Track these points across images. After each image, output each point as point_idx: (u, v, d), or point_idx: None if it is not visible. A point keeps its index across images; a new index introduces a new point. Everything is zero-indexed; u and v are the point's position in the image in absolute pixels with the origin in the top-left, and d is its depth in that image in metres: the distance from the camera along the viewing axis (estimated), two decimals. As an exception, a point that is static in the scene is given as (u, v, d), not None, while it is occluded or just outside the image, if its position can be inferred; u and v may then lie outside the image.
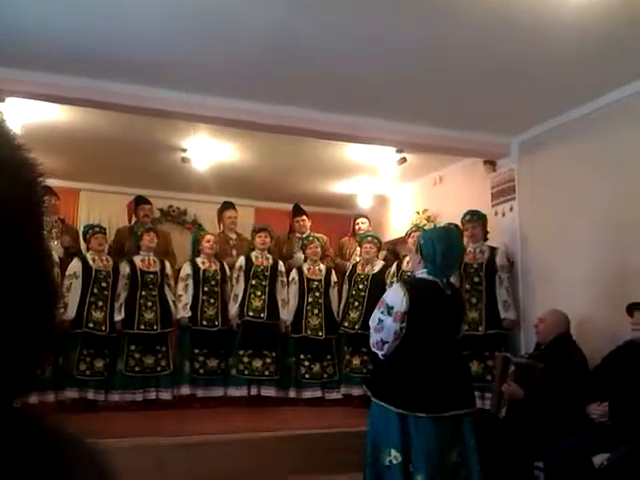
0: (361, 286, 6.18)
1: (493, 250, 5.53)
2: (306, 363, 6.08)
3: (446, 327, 3.35)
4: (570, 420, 3.76)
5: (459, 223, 5.87)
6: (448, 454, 3.22)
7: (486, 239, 5.65)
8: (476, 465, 3.25)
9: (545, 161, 5.40)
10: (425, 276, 3.36)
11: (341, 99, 4.84)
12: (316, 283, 6.25)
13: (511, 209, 5.84)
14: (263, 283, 6.06)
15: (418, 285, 3.37)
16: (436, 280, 3.33)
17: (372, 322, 3.35)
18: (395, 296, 3.28)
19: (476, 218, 5.64)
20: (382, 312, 3.27)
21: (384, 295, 3.48)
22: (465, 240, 5.68)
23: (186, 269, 6.04)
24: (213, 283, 6.03)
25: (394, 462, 3.15)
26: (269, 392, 5.93)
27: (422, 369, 3.23)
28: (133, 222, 6.70)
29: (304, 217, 6.96)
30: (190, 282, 5.96)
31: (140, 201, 6.70)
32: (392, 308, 3.23)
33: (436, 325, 3.29)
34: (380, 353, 3.32)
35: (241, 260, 6.14)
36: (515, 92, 4.63)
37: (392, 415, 3.19)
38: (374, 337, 3.30)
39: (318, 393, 6.09)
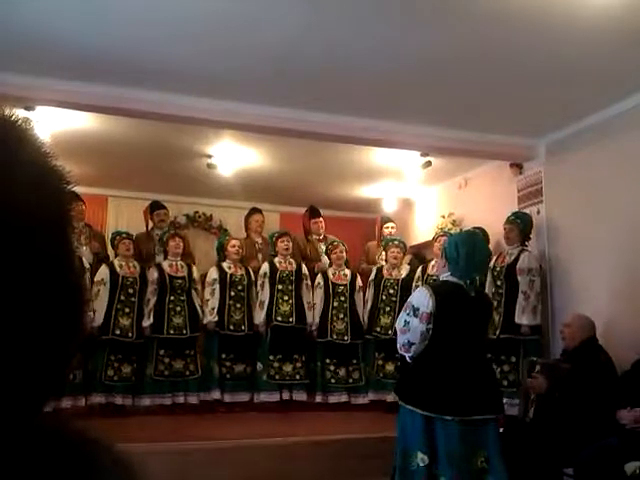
0: (391, 291, 6.15)
1: (520, 253, 5.44)
2: (332, 367, 6.07)
3: (471, 329, 3.37)
4: (599, 426, 3.70)
5: (484, 227, 5.83)
6: (473, 458, 3.22)
7: (524, 244, 5.51)
8: (503, 472, 3.23)
9: (573, 163, 5.33)
10: (449, 278, 3.39)
11: (365, 104, 4.84)
12: (341, 288, 6.25)
13: (538, 212, 5.77)
14: (289, 287, 6.08)
15: (443, 287, 3.41)
16: (460, 282, 3.36)
17: (398, 324, 3.40)
18: (421, 297, 3.33)
19: (518, 221, 5.53)
20: (408, 314, 3.31)
21: (410, 297, 3.52)
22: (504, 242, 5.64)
23: (212, 274, 6.08)
24: (240, 288, 6.06)
25: (421, 465, 3.17)
26: (300, 396, 5.94)
27: (449, 371, 3.24)
28: (150, 227, 6.75)
29: (321, 218, 7.01)
30: (217, 287, 5.99)
31: (155, 207, 6.74)
32: (418, 309, 3.26)
33: (462, 327, 3.31)
34: (407, 355, 3.34)
35: (265, 267, 6.17)
36: (541, 94, 4.58)
37: (418, 418, 3.20)
38: (401, 339, 3.33)
39: (344, 398, 6.07)
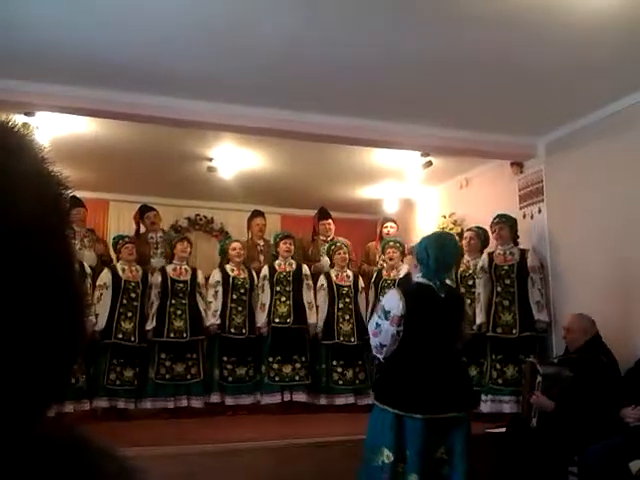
0: (387, 291, 6.14)
1: (523, 252, 5.48)
2: (339, 369, 6.07)
3: (442, 329, 3.44)
4: (603, 425, 3.69)
5: (487, 226, 5.83)
6: (435, 450, 3.31)
7: (516, 243, 5.59)
8: (462, 468, 3.29)
9: (573, 162, 5.32)
10: (420, 280, 3.47)
11: (365, 104, 4.84)
12: (346, 289, 6.26)
13: (539, 211, 5.77)
14: (287, 288, 6.09)
15: (413, 289, 3.50)
16: (430, 284, 3.43)
17: (370, 326, 3.49)
18: (392, 300, 3.40)
19: (504, 220, 5.60)
20: (379, 316, 3.39)
21: (381, 300, 3.64)
22: (494, 242, 5.68)
23: (215, 276, 6.08)
24: (242, 291, 6.06)
25: (386, 462, 3.25)
26: (300, 397, 5.93)
27: (418, 371, 3.32)
28: (143, 231, 6.72)
29: (330, 220, 6.99)
30: (220, 289, 5.99)
31: (144, 210, 6.73)
32: (389, 312, 3.34)
33: (432, 328, 3.38)
34: (380, 356, 3.45)
35: (265, 269, 6.18)
36: (541, 93, 4.58)
37: (388, 416, 3.29)
38: (373, 341, 3.44)
39: (351, 399, 6.08)
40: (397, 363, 3.39)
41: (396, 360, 3.39)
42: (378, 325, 3.37)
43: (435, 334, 3.39)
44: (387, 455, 3.25)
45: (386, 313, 3.34)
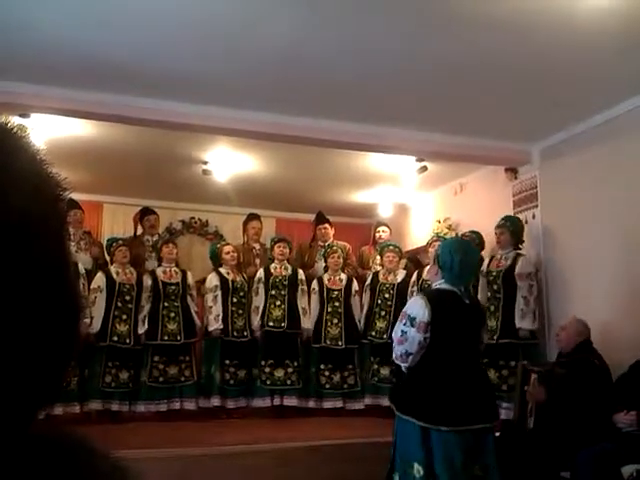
0: (387, 295, 6.16)
1: (516, 258, 5.45)
2: (326, 373, 6.05)
3: (468, 337, 3.32)
4: (595, 429, 3.69)
5: (480, 231, 5.83)
6: (470, 467, 3.17)
7: (518, 247, 5.55)
8: None
9: (568, 167, 5.34)
10: (443, 286, 3.36)
11: (361, 109, 4.85)
12: (336, 293, 6.23)
13: (533, 217, 5.79)
14: (282, 293, 6.07)
15: (438, 295, 3.37)
16: (454, 289, 3.32)
17: (395, 334, 3.34)
18: (417, 307, 3.28)
19: (508, 225, 5.57)
20: (405, 324, 3.26)
21: (405, 307, 3.48)
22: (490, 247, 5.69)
23: (213, 280, 6.04)
24: (242, 294, 6.05)
25: (417, 476, 3.12)
26: (291, 402, 5.91)
27: (444, 381, 3.20)
28: (140, 233, 6.74)
29: (327, 225, 6.94)
30: (219, 293, 5.97)
31: (146, 212, 6.73)
32: (414, 319, 3.22)
33: (458, 335, 3.27)
34: (404, 365, 3.31)
35: (260, 272, 6.16)
36: (536, 99, 4.60)
37: (415, 428, 3.15)
38: (398, 349, 3.29)
39: (339, 403, 6.05)
40: (421, 372, 3.24)
41: (420, 369, 3.24)
42: (404, 332, 3.23)
43: (461, 342, 3.27)
44: (417, 469, 3.11)
45: (412, 320, 3.22)
